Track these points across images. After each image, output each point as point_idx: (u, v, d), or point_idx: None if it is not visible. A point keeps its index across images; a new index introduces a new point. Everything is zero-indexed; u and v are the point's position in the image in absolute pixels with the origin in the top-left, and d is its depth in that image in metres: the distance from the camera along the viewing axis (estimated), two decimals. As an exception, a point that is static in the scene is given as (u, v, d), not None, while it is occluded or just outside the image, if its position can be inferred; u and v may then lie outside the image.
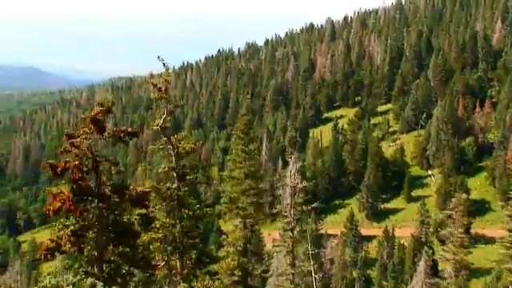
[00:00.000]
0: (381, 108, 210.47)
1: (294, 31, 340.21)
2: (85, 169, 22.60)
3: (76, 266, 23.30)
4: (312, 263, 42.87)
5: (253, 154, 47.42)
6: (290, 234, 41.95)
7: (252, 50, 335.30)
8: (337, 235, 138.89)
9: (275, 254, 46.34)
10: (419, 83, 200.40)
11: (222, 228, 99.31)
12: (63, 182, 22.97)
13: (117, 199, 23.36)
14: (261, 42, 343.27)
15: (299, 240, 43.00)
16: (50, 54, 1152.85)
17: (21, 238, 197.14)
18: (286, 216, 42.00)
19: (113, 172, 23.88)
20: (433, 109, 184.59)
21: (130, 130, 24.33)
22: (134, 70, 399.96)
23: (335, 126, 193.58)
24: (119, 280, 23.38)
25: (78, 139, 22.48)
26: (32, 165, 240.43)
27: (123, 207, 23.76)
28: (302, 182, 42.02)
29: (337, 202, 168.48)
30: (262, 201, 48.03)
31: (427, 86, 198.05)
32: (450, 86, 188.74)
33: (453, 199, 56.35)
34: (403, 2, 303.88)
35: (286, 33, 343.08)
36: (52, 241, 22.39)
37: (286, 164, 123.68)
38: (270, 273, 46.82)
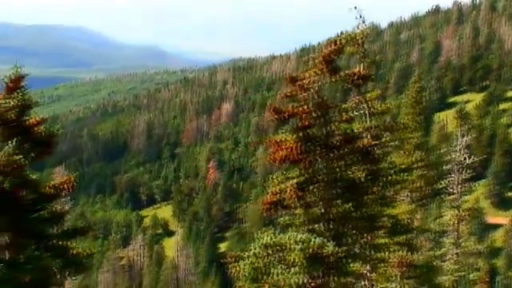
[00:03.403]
0: (510, 93, 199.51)
1: (420, 14, 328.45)
2: (313, 115, 19.39)
3: (297, 223, 20.41)
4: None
5: (423, 124, 42.75)
6: (456, 211, 40.25)
7: (375, 32, 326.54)
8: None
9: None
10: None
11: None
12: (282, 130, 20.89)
13: (347, 150, 20.29)
14: (384, 25, 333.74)
15: (465, 218, 41.34)
16: (174, 35, 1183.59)
17: (143, 212, 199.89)
18: (452, 193, 40.40)
19: (342, 119, 19.62)
20: None
21: (363, 72, 20.19)
22: (257, 52, 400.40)
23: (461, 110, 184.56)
24: (345, 241, 19.07)
25: (307, 81, 18.27)
26: (155, 141, 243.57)
27: (352, 160, 20.84)
28: (469, 158, 40.02)
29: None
30: (431, 174, 43.00)
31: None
32: None
33: None
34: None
35: (411, 15, 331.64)
36: (274, 194, 18.60)
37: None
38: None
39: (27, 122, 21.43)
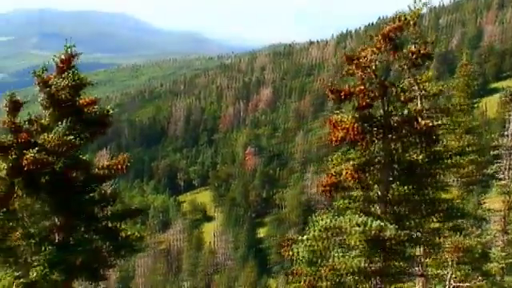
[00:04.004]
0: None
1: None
2: (371, 95, 19.01)
3: (353, 206, 19.99)
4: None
5: (473, 107, 41.73)
6: (506, 197, 39.68)
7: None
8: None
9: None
10: None
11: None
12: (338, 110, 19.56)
13: (405, 131, 19.77)
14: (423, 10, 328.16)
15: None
16: (213, 21, 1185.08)
17: (181, 197, 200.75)
18: (501, 178, 40.05)
19: (401, 99, 19.02)
20: None
21: (424, 52, 19.52)
22: (295, 38, 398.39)
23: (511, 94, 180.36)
24: (405, 224, 18.71)
25: (365, 60, 17.70)
26: (192, 127, 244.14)
27: (411, 141, 20.19)
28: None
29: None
30: (482, 159, 42.17)
31: None
32: None
33: None
34: None
35: (451, 0, 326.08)
36: (332, 176, 18.14)
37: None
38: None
39: (80, 102, 21.16)
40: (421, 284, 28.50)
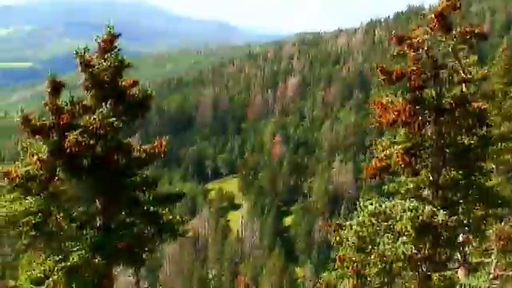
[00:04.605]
0: None
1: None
2: (423, 76, 18.63)
3: (403, 190, 19.52)
4: None
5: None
6: None
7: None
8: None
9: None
10: None
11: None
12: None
13: (458, 113, 19.43)
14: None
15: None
16: (239, 10, 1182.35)
17: (208, 185, 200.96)
18: None
19: (453, 80, 18.42)
20: None
21: (478, 31, 18.89)
22: (321, 26, 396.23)
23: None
24: (455, 210, 17.97)
25: (417, 40, 17.19)
26: (220, 116, 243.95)
27: (464, 124, 19.76)
28: None
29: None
30: None
31: None
32: None
33: None
34: None
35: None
36: (381, 159, 17.40)
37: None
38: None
39: (121, 84, 20.85)
40: (463, 272, 27.92)
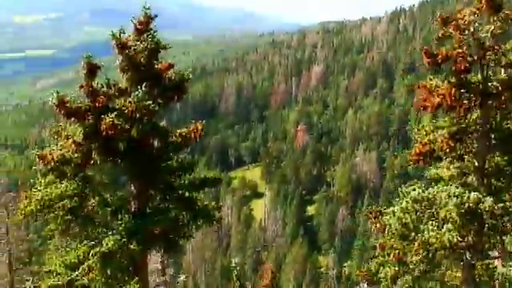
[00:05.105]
0: None
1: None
2: (469, 58, 18.05)
3: (447, 176, 19.04)
4: None
5: None
6: None
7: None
8: None
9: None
10: None
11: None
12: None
13: (505, 98, 18.55)
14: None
15: None
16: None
17: (231, 173, 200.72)
18: None
19: (501, 63, 17.83)
20: None
21: None
22: (344, 14, 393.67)
23: None
24: (502, 197, 17.55)
25: (463, 21, 16.57)
26: (244, 104, 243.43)
27: (510, 109, 19.02)
28: None
29: None
30: None
31: None
32: None
33: None
34: None
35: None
36: (425, 144, 16.87)
37: None
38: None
39: (157, 66, 20.48)
40: (499, 261, 27.34)
